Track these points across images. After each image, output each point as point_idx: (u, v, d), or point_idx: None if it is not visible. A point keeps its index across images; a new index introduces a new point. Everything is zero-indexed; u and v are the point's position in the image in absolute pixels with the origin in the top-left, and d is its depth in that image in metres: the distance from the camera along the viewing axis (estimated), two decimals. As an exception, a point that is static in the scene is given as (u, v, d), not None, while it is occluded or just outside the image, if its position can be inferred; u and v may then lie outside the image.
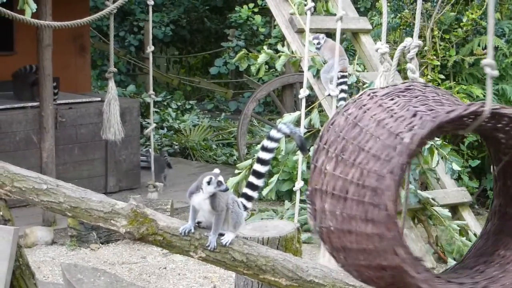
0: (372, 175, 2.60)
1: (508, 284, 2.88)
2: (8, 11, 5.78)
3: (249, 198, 4.09)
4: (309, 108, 7.95)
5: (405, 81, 2.94)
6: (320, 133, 2.83)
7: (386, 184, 2.55)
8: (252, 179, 4.08)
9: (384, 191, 2.56)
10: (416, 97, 2.76)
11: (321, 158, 2.77)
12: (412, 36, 8.92)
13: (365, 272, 2.78)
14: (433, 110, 2.66)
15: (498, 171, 2.97)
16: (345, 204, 2.67)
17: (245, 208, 4.07)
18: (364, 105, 2.77)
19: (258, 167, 4.04)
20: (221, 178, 3.85)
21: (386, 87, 2.87)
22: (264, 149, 4.01)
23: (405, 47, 3.21)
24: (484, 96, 9.65)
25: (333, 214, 2.72)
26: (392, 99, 2.76)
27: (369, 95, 2.82)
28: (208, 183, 3.81)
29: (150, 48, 9.23)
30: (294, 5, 8.45)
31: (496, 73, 2.72)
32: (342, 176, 2.68)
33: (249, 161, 8.42)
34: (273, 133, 3.98)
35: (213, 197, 3.84)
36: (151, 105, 9.47)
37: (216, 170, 3.93)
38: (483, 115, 2.66)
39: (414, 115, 2.64)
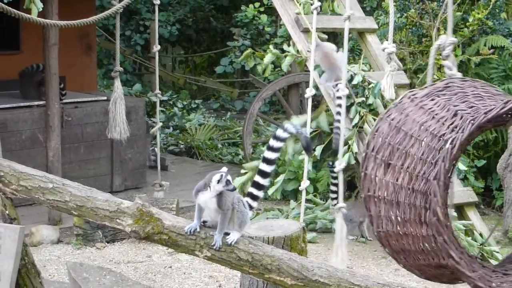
0: (420, 179, 2.61)
1: None
2: (14, 10, 5.79)
3: (254, 197, 4.10)
4: (315, 112, 7.93)
5: (444, 78, 2.93)
6: (366, 141, 2.85)
7: (433, 190, 2.56)
8: (257, 178, 4.09)
9: (432, 198, 2.57)
10: (456, 94, 2.76)
11: (370, 165, 2.79)
12: (420, 35, 8.89)
13: (427, 271, 2.81)
14: (473, 107, 2.65)
15: None
16: (399, 208, 2.69)
17: (251, 207, 4.07)
18: (405, 109, 2.77)
19: (263, 166, 4.04)
20: (229, 177, 3.86)
21: (426, 87, 2.87)
22: (270, 148, 4.02)
23: (440, 45, 3.20)
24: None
25: (388, 218, 2.74)
26: (432, 100, 2.76)
27: (409, 98, 2.83)
28: (218, 181, 3.82)
29: (156, 48, 9.23)
30: (300, 4, 8.44)
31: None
32: (393, 181, 2.69)
33: (256, 162, 8.42)
34: (280, 132, 3.99)
35: (220, 195, 3.85)
36: (158, 104, 9.47)
37: (224, 169, 3.94)
38: None
39: (455, 115, 2.64)
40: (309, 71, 8.28)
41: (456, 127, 2.60)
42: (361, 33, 8.71)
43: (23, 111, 9.21)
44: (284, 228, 4.97)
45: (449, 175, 2.65)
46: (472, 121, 2.59)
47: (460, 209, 8.08)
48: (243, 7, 16.56)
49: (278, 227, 5.01)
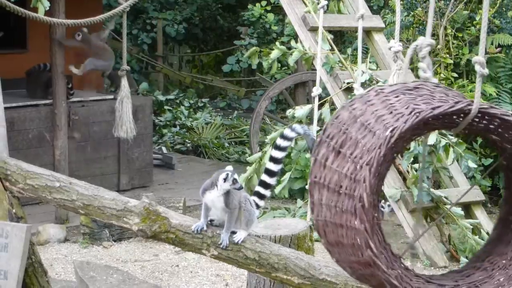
0: (362, 169, 2.60)
1: None
2: (21, 9, 5.80)
3: (261, 196, 4.09)
4: (321, 101, 7.92)
5: (416, 80, 2.93)
6: (324, 126, 2.83)
7: (363, 175, 2.54)
8: (264, 177, 4.09)
9: (361, 183, 2.55)
10: (421, 96, 2.75)
11: (322, 151, 2.78)
12: (425, 35, 8.88)
13: (357, 269, 2.78)
14: (433, 108, 2.65)
15: (505, 179, 2.96)
16: (339, 198, 2.67)
17: (258, 206, 4.07)
18: (369, 101, 2.77)
19: (270, 165, 4.04)
20: (236, 176, 3.86)
21: (395, 84, 2.87)
22: (277, 147, 4.02)
23: (417, 45, 3.19)
24: (497, 94, 9.63)
25: (329, 207, 2.72)
26: (397, 97, 2.75)
27: (376, 91, 2.82)
28: (225, 180, 3.82)
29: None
30: (308, 3, 8.44)
31: (486, 71, 2.71)
32: (339, 169, 2.68)
33: (259, 154, 8.43)
34: (287, 132, 3.99)
35: (227, 194, 3.85)
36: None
37: (230, 167, 3.94)
38: (471, 114, 2.64)
39: (411, 112, 2.63)
40: (315, 69, 8.27)
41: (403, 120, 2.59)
42: (368, 31, 8.70)
43: (30, 110, 9.23)
44: (291, 227, 4.97)
45: (385, 166, 2.64)
46: (417, 114, 2.58)
47: (467, 207, 8.07)
48: (250, 6, 16.56)
49: (285, 225, 5.01)
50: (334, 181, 2.69)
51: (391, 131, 2.55)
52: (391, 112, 2.67)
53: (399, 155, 7.28)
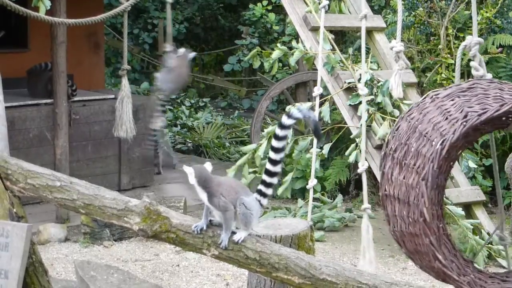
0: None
1: None
2: (22, 8, 5.81)
3: (267, 187, 3.98)
4: (321, 100, 7.93)
5: (469, 79, 2.91)
6: (386, 139, 2.84)
7: (421, 191, 2.54)
8: (268, 166, 3.95)
9: (419, 198, 2.55)
10: (476, 96, 2.73)
11: (387, 164, 2.78)
12: (428, 34, 8.86)
13: (440, 273, 2.78)
14: (486, 109, 2.63)
15: None
16: (410, 208, 2.67)
17: (261, 205, 3.99)
18: (425, 108, 2.75)
19: (272, 155, 3.91)
20: (204, 173, 3.82)
21: (450, 87, 2.84)
22: (276, 137, 3.90)
23: (466, 45, 3.18)
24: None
25: (402, 218, 2.73)
26: (452, 100, 2.73)
27: (431, 97, 2.80)
28: (190, 174, 3.80)
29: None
30: (310, 2, 8.44)
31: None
32: (405, 181, 2.68)
33: (254, 145, 8.43)
34: (284, 119, 3.86)
35: (210, 194, 3.81)
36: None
37: (207, 163, 3.89)
38: None
39: (465, 116, 2.61)
40: (317, 69, 8.27)
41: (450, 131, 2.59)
42: (369, 31, 8.69)
43: (31, 109, 9.22)
44: (291, 227, 4.97)
45: (443, 176, 2.63)
46: (464, 123, 2.57)
47: (468, 207, 8.07)
48: (251, 6, 16.56)
49: (286, 225, 5.01)
50: (402, 192, 2.70)
51: (442, 143, 2.54)
52: (446, 118, 2.65)
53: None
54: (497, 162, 3.51)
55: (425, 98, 2.83)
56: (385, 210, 2.82)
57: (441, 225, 2.60)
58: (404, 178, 2.69)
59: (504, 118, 2.68)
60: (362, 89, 7.19)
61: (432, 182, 2.54)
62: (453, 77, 9.63)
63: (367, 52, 8.08)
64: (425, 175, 2.55)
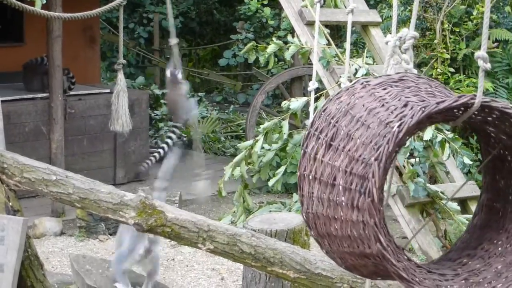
0: (360, 162, 2.61)
1: (489, 278, 2.88)
2: (18, 2, 5.79)
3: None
4: (317, 94, 7.94)
5: (399, 72, 2.95)
6: (311, 120, 2.84)
7: (372, 171, 2.56)
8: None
9: (369, 178, 2.57)
10: (409, 88, 2.77)
11: (311, 144, 2.78)
12: (424, 29, 8.84)
13: (348, 260, 2.79)
14: (424, 101, 2.67)
15: (488, 166, 2.98)
16: (333, 191, 2.68)
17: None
18: (356, 93, 2.78)
19: None
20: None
21: (380, 77, 2.88)
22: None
23: (400, 37, 3.22)
24: (494, 89, 9.63)
25: (320, 200, 2.73)
26: (384, 89, 2.77)
27: (362, 84, 2.83)
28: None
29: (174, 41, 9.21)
30: (304, -3, 8.44)
31: (488, 66, 2.74)
32: (331, 162, 2.69)
33: (250, 142, 8.44)
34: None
35: None
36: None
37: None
38: (473, 107, 2.67)
39: (405, 105, 2.65)
40: (312, 64, 8.27)
41: (404, 115, 2.61)
42: (365, 26, 8.70)
43: (27, 103, 9.22)
44: (286, 221, 4.98)
45: (391, 162, 2.65)
46: (422, 109, 2.60)
47: (464, 202, 8.09)
48: (246, 0, 16.55)
49: (281, 220, 5.02)
50: (326, 174, 2.71)
51: (399, 126, 2.56)
52: (383, 105, 2.68)
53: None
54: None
55: (355, 83, 2.86)
56: (301, 191, 2.82)
57: (381, 208, 2.63)
58: (330, 160, 2.70)
59: (455, 111, 2.71)
60: (345, 83, 7.20)
61: (384, 163, 2.56)
62: (449, 71, 9.65)
63: (363, 47, 8.08)
64: (379, 155, 2.56)
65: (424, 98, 2.68)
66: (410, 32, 3.07)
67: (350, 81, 7.97)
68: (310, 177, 2.77)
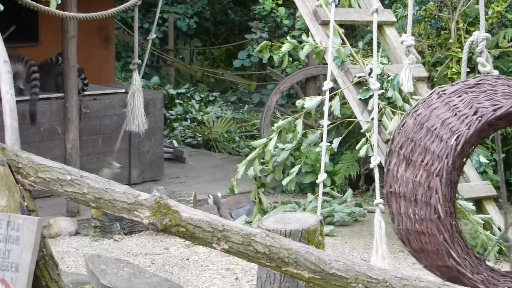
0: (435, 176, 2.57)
1: None
2: (33, 2, 5.82)
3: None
4: (332, 94, 7.92)
5: (476, 76, 2.91)
6: (392, 136, 2.83)
7: (435, 186, 2.52)
8: None
9: (433, 195, 2.53)
10: (484, 92, 2.72)
11: (393, 160, 2.76)
12: (439, 28, 8.83)
13: (446, 272, 2.76)
14: (496, 105, 2.62)
15: None
16: (417, 206, 2.66)
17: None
18: (432, 105, 2.74)
19: None
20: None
21: (456, 83, 2.83)
22: None
23: (473, 41, 3.18)
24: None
25: (408, 216, 2.71)
26: (459, 96, 2.72)
27: (438, 93, 2.79)
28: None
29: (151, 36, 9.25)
30: (319, -4, 8.43)
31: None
32: (412, 178, 2.66)
33: (264, 140, 8.43)
34: None
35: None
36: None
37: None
38: None
39: (476, 113, 2.60)
40: (326, 63, 8.26)
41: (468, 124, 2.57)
42: (380, 26, 8.66)
43: (42, 103, 9.25)
44: (301, 221, 4.97)
45: (456, 172, 2.61)
46: (479, 118, 2.55)
47: (479, 202, 8.05)
48: (261, 0, 16.54)
49: (295, 220, 5.01)
50: (409, 190, 2.68)
51: (456, 139, 2.53)
52: (455, 114, 2.64)
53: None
54: (502, 159, 3.50)
55: (431, 94, 2.82)
56: (390, 208, 2.80)
57: (453, 222, 2.58)
58: (411, 175, 2.67)
59: None
60: (374, 83, 7.18)
61: (446, 178, 2.53)
62: (464, 71, 9.60)
63: (378, 46, 8.06)
64: (439, 171, 2.53)
65: (497, 102, 2.63)
66: (482, 34, 3.04)
67: (365, 81, 7.98)
68: (396, 193, 2.75)
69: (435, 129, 2.65)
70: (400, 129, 2.78)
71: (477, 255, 2.68)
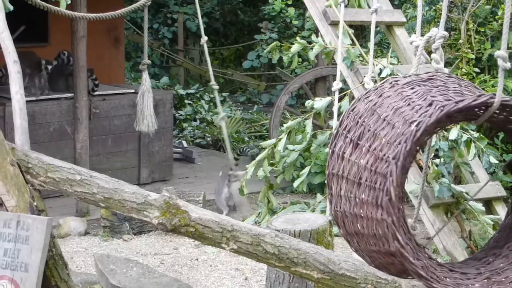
0: (384, 161, 2.61)
1: (511, 277, 2.87)
2: (43, 2, 5.82)
3: None
4: (341, 94, 7.91)
5: (428, 71, 2.95)
6: (340, 119, 2.85)
7: (390, 170, 2.56)
8: None
9: (388, 177, 2.57)
10: (437, 87, 2.77)
11: (339, 143, 2.79)
12: (449, 29, 8.82)
13: (376, 258, 2.80)
14: (450, 101, 2.66)
15: None
16: (359, 189, 2.69)
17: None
18: (384, 93, 2.78)
19: None
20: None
21: (409, 76, 2.88)
22: None
23: (430, 37, 3.21)
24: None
25: (347, 198, 2.74)
26: (412, 88, 2.77)
27: (390, 83, 2.83)
28: None
29: (204, 39, 9.29)
30: (329, -3, 8.42)
31: (508, 65, 2.73)
32: (357, 161, 2.69)
33: (273, 140, 8.43)
34: None
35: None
36: (217, 96, 9.44)
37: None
38: (493, 106, 2.66)
39: (430, 104, 2.64)
40: (336, 64, 8.25)
41: (426, 113, 2.60)
42: (389, 26, 8.66)
43: (51, 104, 9.27)
44: (310, 222, 4.97)
45: (409, 159, 2.64)
46: (441, 108, 2.59)
47: (488, 203, 8.03)
48: (270, 0, 16.55)
49: (305, 220, 5.01)
50: (353, 172, 2.71)
51: (417, 125, 2.56)
52: (409, 104, 2.68)
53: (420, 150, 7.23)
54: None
55: (383, 83, 2.85)
56: (329, 190, 2.83)
57: (400, 206, 2.62)
58: (356, 159, 2.70)
59: (476, 110, 2.69)
60: (368, 83, 7.18)
61: (402, 162, 2.55)
62: (474, 72, 9.59)
63: (387, 47, 8.05)
64: (396, 154, 2.56)
65: (450, 97, 2.67)
66: (439, 32, 3.07)
67: (375, 82, 7.97)
68: (338, 175, 2.78)
69: (387, 116, 2.68)
70: (349, 113, 2.81)
71: (418, 243, 2.71)
